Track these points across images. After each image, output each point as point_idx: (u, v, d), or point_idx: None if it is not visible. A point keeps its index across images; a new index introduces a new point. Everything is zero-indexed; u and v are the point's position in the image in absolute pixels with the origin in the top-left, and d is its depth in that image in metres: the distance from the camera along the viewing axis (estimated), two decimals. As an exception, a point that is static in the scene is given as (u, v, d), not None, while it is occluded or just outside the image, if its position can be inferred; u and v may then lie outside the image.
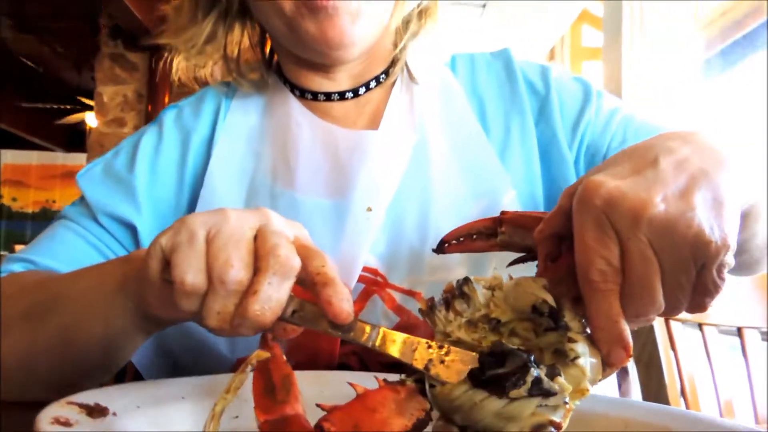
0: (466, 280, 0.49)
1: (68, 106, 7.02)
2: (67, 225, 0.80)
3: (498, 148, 0.81)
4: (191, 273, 0.45)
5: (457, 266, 0.74)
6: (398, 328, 0.72)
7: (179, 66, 0.86)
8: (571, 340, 0.45)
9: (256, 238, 0.47)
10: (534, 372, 0.42)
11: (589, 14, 3.50)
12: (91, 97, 5.43)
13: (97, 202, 0.80)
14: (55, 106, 7.06)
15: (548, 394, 0.42)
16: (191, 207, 0.82)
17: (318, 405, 0.45)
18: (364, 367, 0.73)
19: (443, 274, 0.74)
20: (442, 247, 0.57)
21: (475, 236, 0.55)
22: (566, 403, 0.42)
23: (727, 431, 0.50)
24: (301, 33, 0.74)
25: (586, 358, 0.45)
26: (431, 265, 0.74)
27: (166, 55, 0.86)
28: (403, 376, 0.51)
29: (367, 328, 0.47)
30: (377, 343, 0.46)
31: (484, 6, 3.49)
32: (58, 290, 0.64)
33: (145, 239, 0.79)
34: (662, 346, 1.35)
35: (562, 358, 0.45)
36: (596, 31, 3.33)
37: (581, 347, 0.45)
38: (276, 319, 0.46)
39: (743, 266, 0.69)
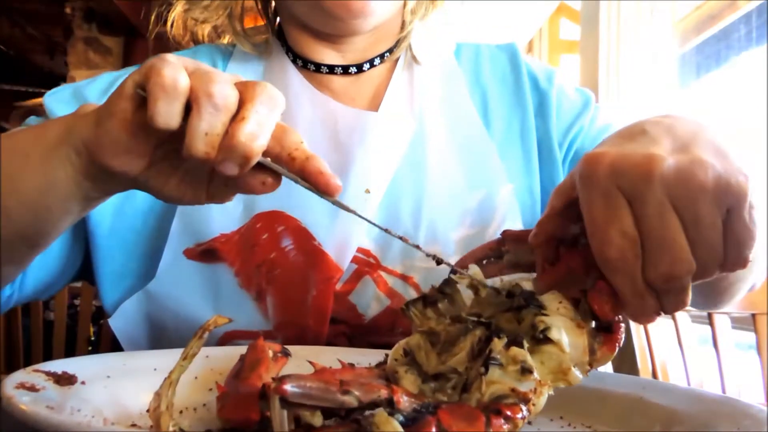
0: (448, 281, 0.48)
1: (40, 90, 6.86)
2: None
3: (498, 142, 0.81)
4: (177, 74, 0.43)
5: (453, 255, 0.73)
6: (390, 311, 0.72)
7: (176, 15, 0.83)
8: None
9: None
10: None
11: (567, 7, 3.51)
12: (63, 82, 5.32)
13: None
14: (24, 89, 6.89)
15: (496, 361, 0.41)
16: None
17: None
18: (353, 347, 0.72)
19: None
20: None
21: (485, 262, 0.54)
22: (530, 371, 0.41)
23: (695, 396, 0.51)
24: None
25: (561, 332, 0.44)
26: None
27: (157, 9, 0.83)
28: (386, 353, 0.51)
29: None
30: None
31: (463, -3, 3.49)
32: None
33: None
34: (635, 333, 1.36)
35: (542, 340, 0.44)
36: (574, 25, 3.35)
37: (556, 321, 0.44)
38: (264, 148, 0.45)
39: (714, 293, 0.69)
